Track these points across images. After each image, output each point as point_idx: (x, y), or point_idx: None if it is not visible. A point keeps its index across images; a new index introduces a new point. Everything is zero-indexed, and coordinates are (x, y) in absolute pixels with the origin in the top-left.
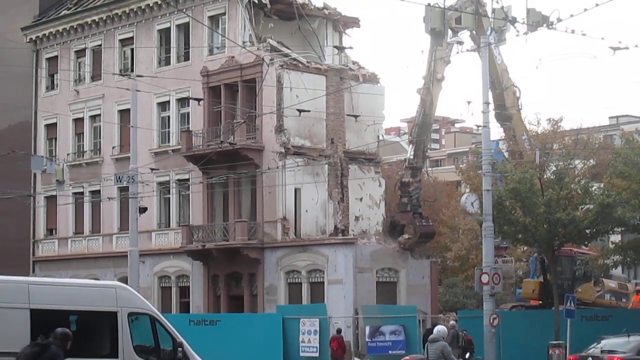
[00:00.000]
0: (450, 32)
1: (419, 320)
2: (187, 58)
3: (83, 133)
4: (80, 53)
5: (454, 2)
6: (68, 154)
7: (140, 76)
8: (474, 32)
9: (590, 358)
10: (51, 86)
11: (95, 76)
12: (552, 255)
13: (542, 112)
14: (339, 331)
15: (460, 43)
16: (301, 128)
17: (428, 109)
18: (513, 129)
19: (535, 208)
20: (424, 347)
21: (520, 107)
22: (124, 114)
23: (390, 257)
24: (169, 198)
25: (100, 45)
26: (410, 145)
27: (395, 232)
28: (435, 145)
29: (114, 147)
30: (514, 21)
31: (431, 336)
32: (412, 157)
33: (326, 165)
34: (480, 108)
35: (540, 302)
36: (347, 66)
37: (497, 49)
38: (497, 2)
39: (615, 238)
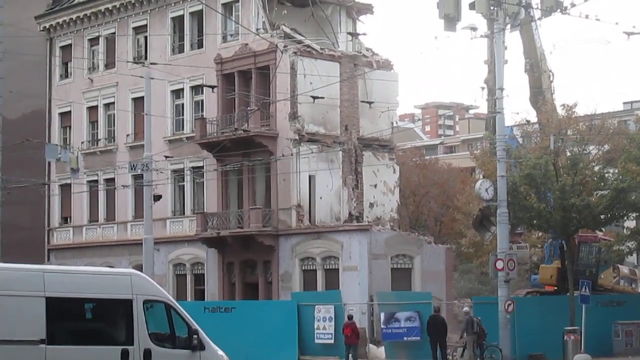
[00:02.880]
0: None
1: (434, 307)
2: (200, 45)
3: (97, 121)
4: (94, 41)
5: None
6: (82, 142)
7: (154, 64)
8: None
9: None
10: (65, 74)
11: (109, 64)
12: (568, 241)
13: (556, 98)
14: (350, 317)
15: (474, 29)
16: (315, 115)
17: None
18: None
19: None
20: (428, 333)
21: (553, 90)
22: (138, 101)
23: (404, 244)
24: (184, 185)
25: (114, 33)
26: (486, 136)
27: (484, 225)
28: (450, 131)
29: (128, 135)
30: (528, 6)
31: None
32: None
33: (340, 152)
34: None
35: (557, 288)
36: (360, 53)
37: (536, 30)
38: None
39: (630, 224)
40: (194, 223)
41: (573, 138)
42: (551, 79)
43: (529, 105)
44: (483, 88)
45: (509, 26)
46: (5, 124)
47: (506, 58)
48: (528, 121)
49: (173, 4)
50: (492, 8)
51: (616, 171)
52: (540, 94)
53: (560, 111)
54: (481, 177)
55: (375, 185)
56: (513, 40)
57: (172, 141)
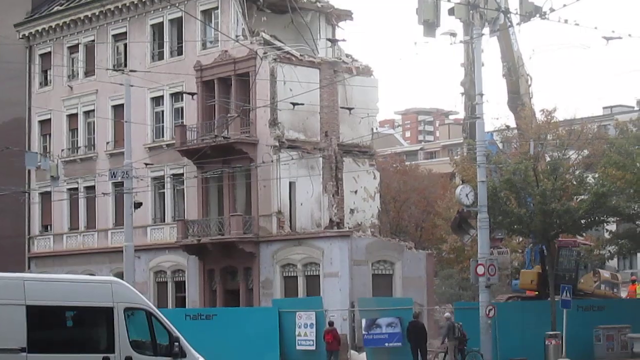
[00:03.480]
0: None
1: (414, 313)
2: (180, 52)
3: (77, 129)
4: (74, 49)
5: None
6: (62, 150)
7: (134, 71)
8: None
9: None
10: (45, 82)
11: (89, 72)
12: (549, 246)
13: (535, 103)
14: (331, 324)
15: (454, 35)
16: (295, 121)
17: (474, 99)
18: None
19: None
20: (408, 339)
21: (531, 95)
22: (118, 109)
23: (385, 250)
24: (164, 193)
25: (93, 40)
26: (465, 143)
27: (462, 228)
28: (430, 137)
29: (108, 143)
30: (507, 12)
31: None
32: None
33: (320, 159)
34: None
35: (537, 292)
36: (340, 59)
37: (514, 35)
38: None
39: (612, 227)
40: (174, 230)
41: (553, 143)
42: (529, 83)
43: (508, 109)
44: (462, 94)
45: (487, 30)
46: None
47: (483, 61)
48: (508, 126)
49: (152, 12)
50: (470, 12)
51: (596, 176)
52: (518, 98)
53: (540, 116)
54: (460, 182)
55: (356, 192)
56: (490, 43)
57: (152, 148)
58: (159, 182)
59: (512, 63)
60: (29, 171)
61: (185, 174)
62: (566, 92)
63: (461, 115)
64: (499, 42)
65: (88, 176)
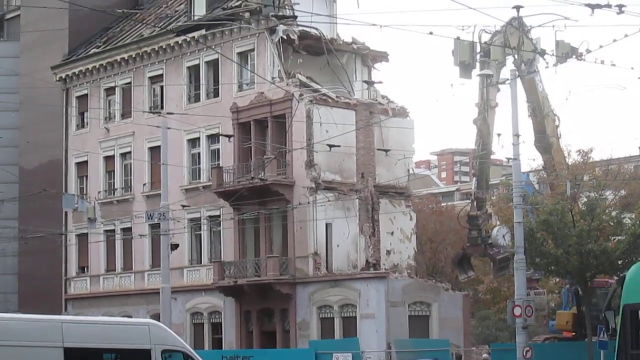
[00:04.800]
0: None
1: (452, 354)
2: (216, 94)
3: (114, 171)
4: (110, 91)
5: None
6: (99, 192)
7: (170, 113)
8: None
9: None
10: (81, 124)
11: (125, 114)
12: (585, 287)
13: (572, 144)
14: None
15: (490, 76)
16: (331, 163)
17: (486, 137)
18: (553, 157)
19: (566, 239)
20: None
21: (559, 135)
22: (154, 151)
23: (422, 291)
24: (200, 234)
25: (130, 83)
26: (474, 178)
27: (462, 266)
28: (466, 177)
29: (144, 185)
30: (543, 53)
31: None
32: (476, 189)
33: (357, 200)
34: (510, 140)
35: (574, 333)
36: (376, 100)
37: (538, 75)
38: (527, 37)
39: None
40: (211, 272)
41: (589, 184)
42: (557, 123)
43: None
44: (499, 135)
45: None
46: (22, 174)
47: (498, 102)
48: (545, 167)
49: (189, 54)
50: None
51: (633, 216)
52: (545, 138)
53: (576, 156)
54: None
55: (392, 233)
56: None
57: (188, 190)
58: (195, 223)
59: (537, 104)
60: (66, 213)
61: (221, 216)
62: (602, 132)
63: (498, 155)
64: (522, 83)
65: (125, 218)
